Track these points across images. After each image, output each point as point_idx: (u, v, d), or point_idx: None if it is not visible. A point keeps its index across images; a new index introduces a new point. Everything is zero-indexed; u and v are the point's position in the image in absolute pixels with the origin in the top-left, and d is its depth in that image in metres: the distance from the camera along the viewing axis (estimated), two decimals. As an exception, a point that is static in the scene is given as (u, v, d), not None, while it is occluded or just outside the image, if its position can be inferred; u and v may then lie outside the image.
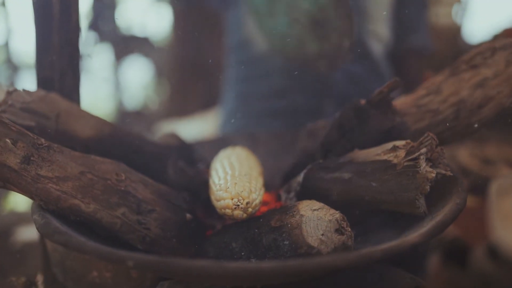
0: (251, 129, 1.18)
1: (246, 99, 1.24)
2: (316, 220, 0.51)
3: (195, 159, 0.79)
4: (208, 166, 0.80)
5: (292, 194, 0.64)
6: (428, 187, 0.54)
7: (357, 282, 0.54)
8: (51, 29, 0.68)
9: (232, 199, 0.54)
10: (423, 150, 0.55)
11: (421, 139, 0.56)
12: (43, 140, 0.55)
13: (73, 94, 0.72)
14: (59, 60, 0.69)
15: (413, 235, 0.45)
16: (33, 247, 1.00)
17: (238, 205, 0.54)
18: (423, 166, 0.54)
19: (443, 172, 0.56)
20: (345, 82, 1.16)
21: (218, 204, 0.56)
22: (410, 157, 0.55)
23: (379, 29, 1.26)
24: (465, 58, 0.66)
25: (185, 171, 0.70)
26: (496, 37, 2.24)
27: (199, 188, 0.71)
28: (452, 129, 0.65)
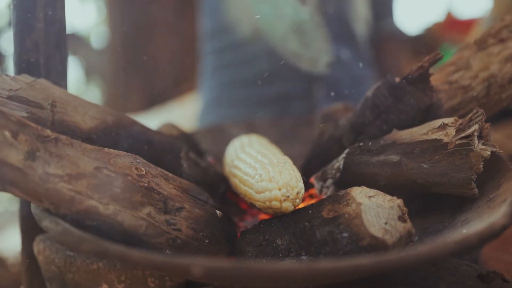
0: (235, 117, 1.11)
1: (229, 87, 1.17)
2: (376, 207, 0.46)
3: (201, 150, 0.71)
4: (215, 157, 0.73)
5: (329, 182, 0.58)
6: (482, 166, 0.51)
7: (414, 273, 0.50)
8: (35, 4, 0.58)
9: (280, 190, 0.47)
10: (476, 126, 0.51)
11: (470, 115, 0.52)
12: (49, 131, 0.46)
13: (60, 80, 0.62)
14: (44, 41, 0.59)
15: (498, 217, 0.41)
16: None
17: (288, 195, 0.47)
18: (477, 143, 0.51)
19: (494, 149, 0.53)
20: (332, 65, 1.12)
21: (260, 197, 0.49)
22: (462, 135, 0.51)
23: (361, 9, 1.23)
24: (492, 31, 0.64)
25: (198, 163, 0.62)
26: (427, 31, 2.30)
27: (214, 181, 0.63)
28: (483, 106, 0.62)
